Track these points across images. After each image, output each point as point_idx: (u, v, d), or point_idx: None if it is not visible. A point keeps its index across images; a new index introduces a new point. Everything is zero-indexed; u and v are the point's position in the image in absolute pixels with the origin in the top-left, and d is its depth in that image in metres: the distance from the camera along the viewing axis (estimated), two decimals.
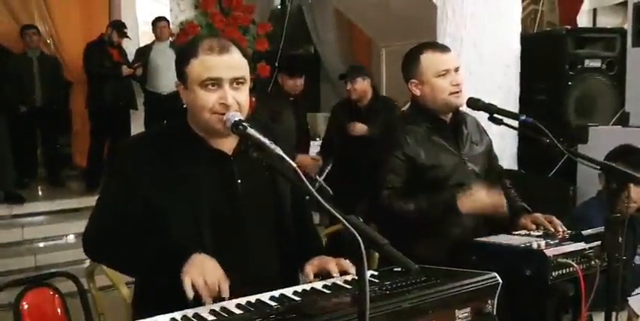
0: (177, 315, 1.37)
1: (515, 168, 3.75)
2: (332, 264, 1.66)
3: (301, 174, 1.31)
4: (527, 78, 3.73)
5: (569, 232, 2.05)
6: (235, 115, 1.51)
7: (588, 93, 3.75)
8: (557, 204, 3.30)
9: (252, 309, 1.40)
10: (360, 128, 4.31)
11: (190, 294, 1.41)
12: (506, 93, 3.67)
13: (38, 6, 6.74)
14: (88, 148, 6.31)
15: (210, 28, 7.31)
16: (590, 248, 1.86)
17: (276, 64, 7.68)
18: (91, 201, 1.72)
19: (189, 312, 1.39)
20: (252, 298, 1.46)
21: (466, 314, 1.54)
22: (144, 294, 1.69)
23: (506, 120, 2.14)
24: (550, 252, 1.77)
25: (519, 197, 2.40)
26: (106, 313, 2.42)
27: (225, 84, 1.58)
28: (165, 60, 6.17)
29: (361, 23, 8.18)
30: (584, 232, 1.93)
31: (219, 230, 1.60)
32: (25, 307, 2.11)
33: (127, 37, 6.25)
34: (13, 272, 4.52)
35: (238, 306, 1.42)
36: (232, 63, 1.60)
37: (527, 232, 2.10)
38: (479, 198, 2.09)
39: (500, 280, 1.57)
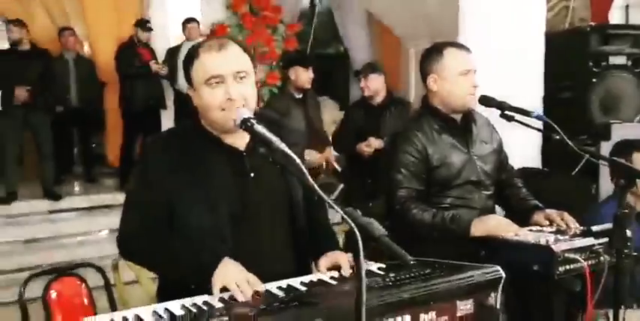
0: (188, 302, 1.44)
1: (539, 166, 3.74)
2: (343, 258, 1.70)
3: (304, 169, 1.35)
4: (552, 76, 3.72)
5: (580, 228, 2.06)
6: (244, 113, 1.54)
7: (613, 90, 3.71)
8: (580, 202, 3.28)
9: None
10: (374, 143, 4.32)
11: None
12: (530, 91, 3.66)
13: (74, 8, 6.97)
14: (121, 146, 6.48)
15: (240, 28, 7.42)
16: (599, 244, 1.88)
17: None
18: (124, 197, 1.78)
19: (199, 299, 1.46)
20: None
21: (468, 306, 1.58)
22: (168, 287, 1.75)
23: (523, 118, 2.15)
24: (557, 247, 1.79)
25: (531, 196, 2.40)
26: (130, 306, 2.51)
27: (228, 79, 1.63)
28: None
29: (390, 23, 8.19)
30: (593, 228, 1.94)
31: (236, 223, 1.66)
32: (53, 295, 2.23)
33: (150, 29, 6.39)
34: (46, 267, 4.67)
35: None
36: (232, 58, 1.65)
37: (540, 229, 2.12)
38: (492, 226, 2.05)
39: (504, 274, 1.60)
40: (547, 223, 2.17)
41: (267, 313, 1.34)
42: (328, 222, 1.99)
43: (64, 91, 6.25)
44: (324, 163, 4.60)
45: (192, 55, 1.69)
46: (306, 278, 1.65)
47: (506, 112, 2.15)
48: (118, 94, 6.47)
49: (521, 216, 2.28)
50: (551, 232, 2.02)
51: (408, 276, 1.58)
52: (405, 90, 7.36)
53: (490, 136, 2.41)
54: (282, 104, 4.43)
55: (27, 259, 4.85)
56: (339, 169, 4.72)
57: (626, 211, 1.75)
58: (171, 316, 1.38)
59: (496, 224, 2.04)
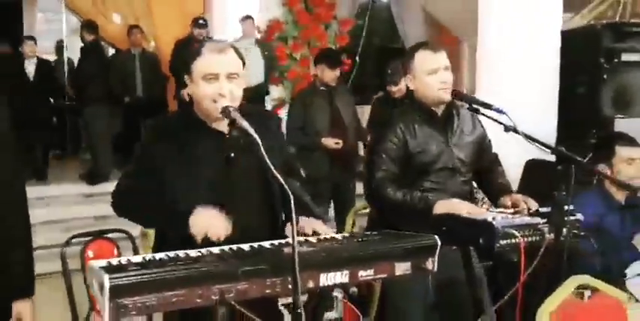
0: (148, 256, 1.77)
1: (552, 158, 3.89)
2: (308, 227, 2.00)
3: (263, 151, 1.69)
4: (567, 71, 3.86)
5: (536, 210, 2.28)
6: (225, 103, 1.92)
7: (625, 86, 3.81)
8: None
9: (207, 253, 1.75)
10: None
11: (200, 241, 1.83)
12: (546, 85, 3.83)
13: (142, 7, 7.56)
14: None
15: (295, 24, 7.79)
16: (544, 223, 2.10)
17: (356, 58, 8.07)
18: None
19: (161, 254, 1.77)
20: (219, 248, 1.80)
21: (406, 267, 1.86)
22: (162, 244, 2.12)
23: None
24: (498, 223, 2.04)
25: (506, 182, 2.64)
26: None
27: (222, 78, 1.97)
28: (248, 56, 6.69)
29: (445, 20, 8.36)
30: (541, 210, 2.17)
31: (215, 193, 2.00)
32: (90, 253, 2.67)
33: (206, 26, 6.85)
34: None
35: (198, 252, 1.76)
36: (228, 61, 1.99)
37: (501, 210, 2.35)
38: (455, 206, 2.29)
39: (439, 242, 1.87)
40: (510, 205, 2.40)
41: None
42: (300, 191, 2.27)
43: (130, 83, 6.84)
44: None
45: (197, 52, 2.04)
46: (276, 241, 1.97)
47: (473, 106, 2.39)
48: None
49: (494, 200, 2.53)
50: (508, 213, 2.25)
51: (356, 240, 1.89)
52: (463, 86, 7.54)
53: (472, 128, 2.63)
54: (306, 95, 4.83)
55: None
56: None
57: (564, 192, 1.97)
58: (151, 259, 1.72)
59: (457, 204, 2.29)
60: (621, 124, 3.32)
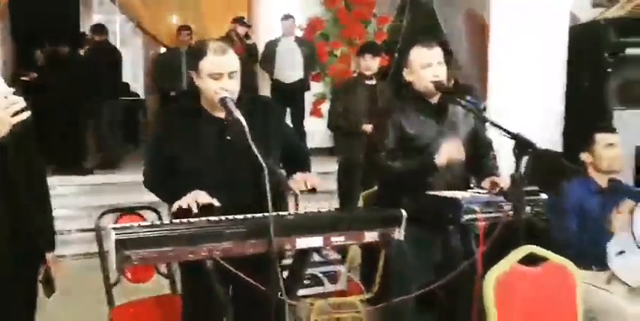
0: (157, 222, 2.13)
1: (560, 149, 4.07)
2: (300, 183, 2.27)
3: (247, 132, 2.03)
4: (574, 65, 4.02)
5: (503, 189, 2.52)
6: (224, 94, 2.26)
7: (630, 80, 3.93)
8: None
9: (204, 220, 2.05)
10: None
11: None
12: (553, 79, 4.01)
13: (192, 7, 8.05)
14: None
15: (336, 22, 8.10)
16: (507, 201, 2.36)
17: (395, 55, 8.28)
18: None
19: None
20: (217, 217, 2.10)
21: (374, 236, 2.15)
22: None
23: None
24: (464, 200, 2.31)
25: (493, 166, 2.87)
26: None
27: (224, 76, 2.32)
28: (289, 53, 7.10)
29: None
30: (506, 190, 2.41)
31: (214, 171, 2.32)
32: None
33: (249, 26, 7.24)
34: None
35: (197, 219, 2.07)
36: (229, 61, 2.33)
37: (478, 190, 2.61)
38: (452, 151, 2.60)
39: (405, 214, 2.14)
40: (489, 186, 2.63)
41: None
42: (302, 149, 2.64)
43: (177, 78, 7.32)
44: None
45: (203, 52, 2.36)
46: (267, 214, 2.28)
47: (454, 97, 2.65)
48: None
49: (479, 181, 2.78)
50: (481, 193, 2.51)
51: (331, 211, 2.19)
52: None
53: (464, 118, 2.86)
54: (347, 83, 5.21)
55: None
56: None
57: (519, 173, 2.21)
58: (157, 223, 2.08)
59: (452, 148, 2.59)
60: (623, 116, 3.46)
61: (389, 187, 2.87)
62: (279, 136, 2.47)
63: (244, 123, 2.07)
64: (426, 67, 2.74)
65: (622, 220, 2.71)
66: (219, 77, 2.32)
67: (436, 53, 2.77)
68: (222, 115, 2.37)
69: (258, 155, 1.97)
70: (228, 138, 2.35)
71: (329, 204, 4.15)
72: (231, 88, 2.32)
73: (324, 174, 4.94)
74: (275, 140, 2.44)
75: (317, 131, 7.48)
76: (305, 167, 2.48)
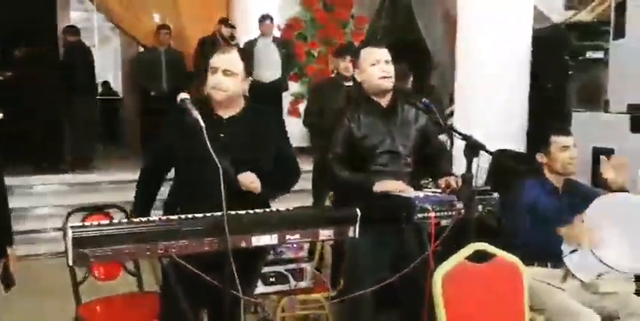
0: (116, 220, 2.18)
1: (524, 149, 4.16)
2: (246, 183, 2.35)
3: (205, 134, 2.09)
4: (538, 68, 4.12)
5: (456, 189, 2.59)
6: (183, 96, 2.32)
7: (589, 82, 4.05)
8: None
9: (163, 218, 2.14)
10: None
11: None
12: (518, 81, 4.10)
13: (170, 7, 8.06)
14: None
15: (314, 23, 8.16)
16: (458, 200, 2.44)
17: None
18: None
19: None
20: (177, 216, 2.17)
21: (329, 234, 2.21)
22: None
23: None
24: (417, 200, 2.39)
25: (446, 166, 2.94)
26: None
27: (218, 72, 2.39)
28: (267, 53, 7.14)
29: None
30: (458, 189, 2.50)
31: (209, 167, 2.20)
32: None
33: (234, 27, 7.29)
34: None
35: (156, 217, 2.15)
36: (227, 60, 2.40)
37: (433, 190, 2.68)
38: (389, 186, 2.64)
39: (359, 213, 2.21)
40: (444, 186, 2.71)
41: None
42: (290, 158, 2.65)
43: (156, 78, 7.33)
44: None
45: (215, 51, 2.48)
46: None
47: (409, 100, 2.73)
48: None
49: (436, 181, 2.85)
50: (435, 192, 2.59)
51: (287, 211, 2.25)
52: None
53: (415, 118, 2.93)
54: (325, 82, 5.29)
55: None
56: None
57: (470, 173, 2.29)
58: (116, 221, 2.13)
59: (391, 184, 2.64)
60: (582, 118, 3.56)
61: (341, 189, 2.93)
62: (273, 142, 2.54)
63: (202, 124, 2.13)
64: (375, 64, 2.81)
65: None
66: (214, 71, 2.41)
67: (384, 52, 2.85)
68: (221, 113, 2.47)
69: (213, 154, 2.03)
70: (221, 135, 2.41)
71: (302, 203, 4.22)
72: (222, 85, 2.40)
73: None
74: (268, 145, 2.51)
75: (294, 131, 7.49)
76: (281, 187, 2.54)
